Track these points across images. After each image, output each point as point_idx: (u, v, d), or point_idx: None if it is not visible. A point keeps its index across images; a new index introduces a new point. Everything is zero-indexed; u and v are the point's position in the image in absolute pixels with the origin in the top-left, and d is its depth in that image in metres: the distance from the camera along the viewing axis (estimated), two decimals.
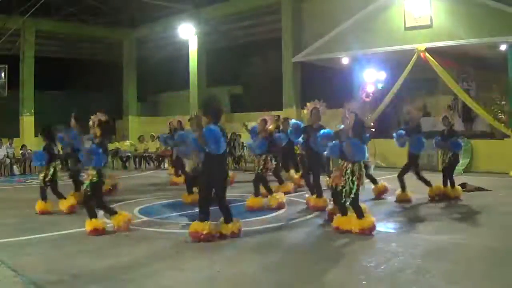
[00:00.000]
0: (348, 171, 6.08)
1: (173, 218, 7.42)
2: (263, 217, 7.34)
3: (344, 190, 6.13)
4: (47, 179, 7.96)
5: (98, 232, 6.36)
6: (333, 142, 6.44)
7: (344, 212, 6.23)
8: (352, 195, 6.09)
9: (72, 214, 7.77)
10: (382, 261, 4.89)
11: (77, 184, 8.70)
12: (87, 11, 19.55)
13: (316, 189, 7.84)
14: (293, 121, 8.82)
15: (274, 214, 7.58)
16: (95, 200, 6.60)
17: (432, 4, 13.47)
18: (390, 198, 8.58)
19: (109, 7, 19.43)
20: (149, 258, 5.21)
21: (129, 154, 17.35)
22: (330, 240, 5.91)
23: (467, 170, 12.38)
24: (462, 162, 11.56)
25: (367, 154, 6.22)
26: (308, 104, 8.05)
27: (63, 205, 8.00)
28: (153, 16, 20.20)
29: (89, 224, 6.40)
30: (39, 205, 7.94)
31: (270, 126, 8.29)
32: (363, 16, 14.59)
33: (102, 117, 6.74)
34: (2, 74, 17.48)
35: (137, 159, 17.22)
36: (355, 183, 6.07)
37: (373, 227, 6.08)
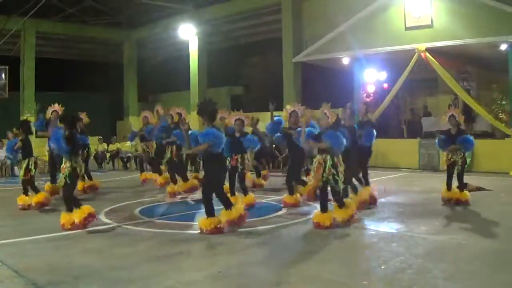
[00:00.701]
0: (329, 163, 6.26)
1: (174, 219, 7.42)
2: (263, 217, 7.35)
3: (330, 180, 6.33)
4: (30, 174, 8.16)
5: (93, 216, 6.53)
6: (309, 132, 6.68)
7: (324, 209, 6.44)
8: (339, 185, 6.35)
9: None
10: (382, 261, 4.90)
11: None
12: (87, 12, 19.61)
13: (288, 187, 8.15)
14: (277, 116, 8.77)
15: (274, 214, 7.60)
16: (71, 189, 6.69)
17: (432, 4, 13.47)
18: (390, 198, 8.56)
19: (109, 8, 19.48)
20: (150, 258, 5.21)
21: (130, 154, 17.33)
22: (330, 240, 5.91)
23: (467, 169, 12.29)
24: None
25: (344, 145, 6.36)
26: (288, 106, 8.18)
27: (21, 200, 8.25)
28: (154, 17, 20.22)
29: (81, 213, 6.42)
30: (36, 198, 8.11)
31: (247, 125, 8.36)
32: (363, 16, 14.59)
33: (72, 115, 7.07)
34: (3, 75, 17.53)
35: (138, 160, 17.17)
36: (340, 175, 6.31)
37: (355, 212, 6.66)
